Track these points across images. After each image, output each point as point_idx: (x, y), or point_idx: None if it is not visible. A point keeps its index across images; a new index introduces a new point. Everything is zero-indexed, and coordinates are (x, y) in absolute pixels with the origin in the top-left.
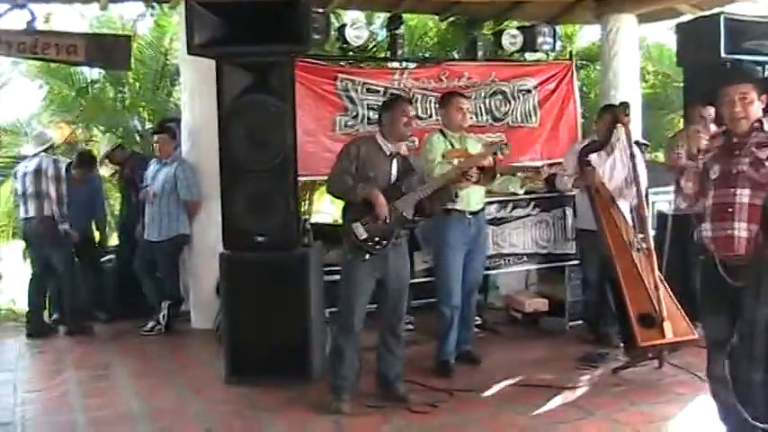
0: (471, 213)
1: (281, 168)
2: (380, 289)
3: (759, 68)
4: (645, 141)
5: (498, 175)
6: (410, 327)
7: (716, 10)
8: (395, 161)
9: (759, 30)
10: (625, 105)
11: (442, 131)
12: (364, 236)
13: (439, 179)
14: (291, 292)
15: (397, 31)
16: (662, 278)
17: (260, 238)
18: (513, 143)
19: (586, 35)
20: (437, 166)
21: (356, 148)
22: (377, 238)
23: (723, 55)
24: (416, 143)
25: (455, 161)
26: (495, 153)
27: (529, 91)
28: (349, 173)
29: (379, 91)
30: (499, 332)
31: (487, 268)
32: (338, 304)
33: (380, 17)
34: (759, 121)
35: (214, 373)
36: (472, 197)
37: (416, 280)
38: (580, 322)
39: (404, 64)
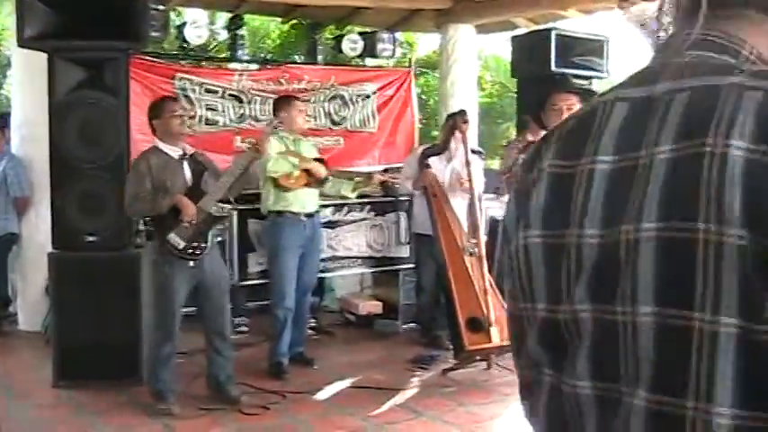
0: (306, 215)
1: (114, 167)
2: (200, 293)
3: (586, 82)
4: (480, 149)
5: (329, 179)
6: (244, 329)
7: (549, 25)
8: (185, 163)
9: (587, 45)
10: (463, 113)
11: (277, 133)
12: (182, 245)
13: (237, 165)
14: (122, 293)
15: (237, 32)
16: (492, 283)
17: (91, 238)
18: (351, 147)
19: (427, 43)
20: (270, 160)
21: (145, 162)
22: (195, 244)
23: (553, 68)
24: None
25: (291, 158)
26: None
27: (368, 96)
28: (144, 190)
29: (217, 92)
30: (333, 334)
31: (322, 271)
32: (153, 311)
33: (223, 17)
34: None
35: (42, 377)
36: (307, 199)
37: (251, 282)
38: (413, 325)
39: (244, 65)
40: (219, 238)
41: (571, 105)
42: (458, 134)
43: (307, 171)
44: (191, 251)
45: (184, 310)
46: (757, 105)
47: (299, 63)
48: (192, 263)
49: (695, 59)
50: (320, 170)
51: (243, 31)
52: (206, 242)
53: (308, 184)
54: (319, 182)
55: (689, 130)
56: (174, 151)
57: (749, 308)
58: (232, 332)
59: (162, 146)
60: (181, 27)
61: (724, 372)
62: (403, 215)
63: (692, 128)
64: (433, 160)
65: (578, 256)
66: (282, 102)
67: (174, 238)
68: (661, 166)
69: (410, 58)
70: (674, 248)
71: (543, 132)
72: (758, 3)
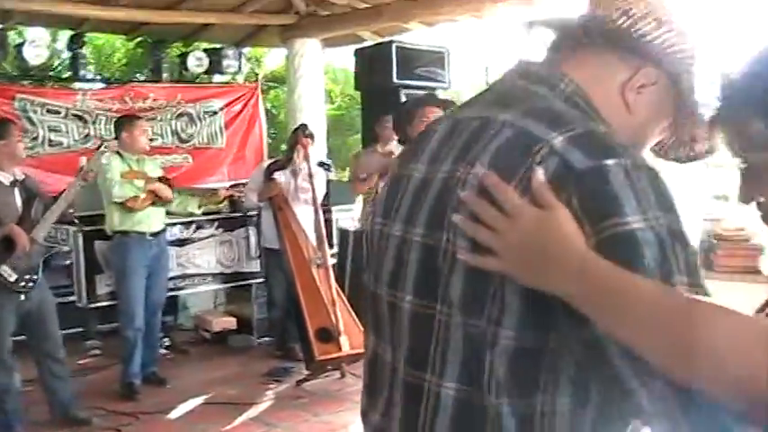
0: (152, 235)
1: None
2: (29, 319)
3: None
4: (328, 161)
5: (176, 197)
6: (97, 351)
7: (393, 37)
8: (17, 190)
9: (428, 57)
10: (304, 127)
11: (119, 153)
12: (14, 276)
13: (67, 196)
14: None
15: (79, 51)
16: (339, 292)
17: None
18: (200, 164)
19: (277, 58)
20: (115, 185)
21: None
22: (27, 276)
23: (395, 80)
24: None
25: (136, 182)
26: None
27: (215, 113)
28: None
29: (60, 112)
30: (188, 352)
31: (174, 289)
32: None
33: (66, 35)
34: None
35: None
36: (152, 218)
37: (100, 304)
38: (268, 338)
39: (88, 84)
40: (67, 261)
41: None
42: (300, 148)
43: (152, 191)
44: (23, 284)
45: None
46: (504, 141)
47: (143, 81)
48: (23, 296)
49: (513, 89)
50: (165, 191)
51: (86, 50)
52: (38, 274)
53: (153, 204)
54: (165, 201)
55: (458, 156)
56: (5, 177)
57: (466, 304)
58: (84, 356)
59: None
60: (19, 47)
61: (453, 355)
62: (252, 230)
63: (461, 154)
64: (278, 174)
65: (386, 246)
66: (123, 122)
67: (5, 270)
68: (437, 183)
69: (257, 74)
70: (429, 253)
71: (393, 144)
72: (593, 38)
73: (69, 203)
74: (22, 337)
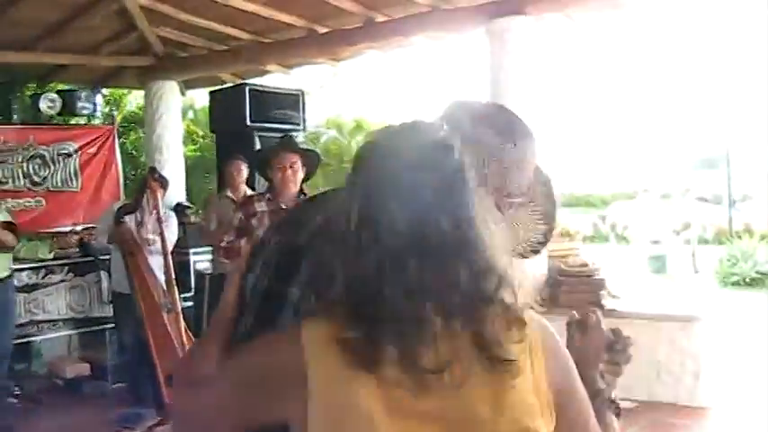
0: None
1: None
2: None
3: (282, 135)
4: (188, 203)
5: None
6: None
7: (250, 80)
8: None
9: (283, 100)
10: (153, 170)
11: None
12: None
13: None
14: None
15: None
16: (191, 337)
17: None
18: (54, 207)
19: (138, 98)
20: None
21: None
22: None
23: (248, 123)
24: None
25: None
26: None
27: (70, 155)
28: None
29: None
30: (40, 401)
31: (24, 336)
32: None
33: None
34: (302, 189)
35: None
36: None
37: None
38: (121, 384)
39: None
40: None
41: (294, 164)
42: (149, 191)
43: None
44: None
45: None
46: None
47: None
48: None
49: None
50: (7, 238)
51: None
52: None
53: None
54: (9, 248)
55: None
56: None
57: None
58: None
59: None
60: None
61: None
62: (104, 274)
63: None
64: (128, 218)
65: None
66: None
67: None
68: None
69: (113, 115)
70: None
71: (244, 188)
72: None
73: None
74: None
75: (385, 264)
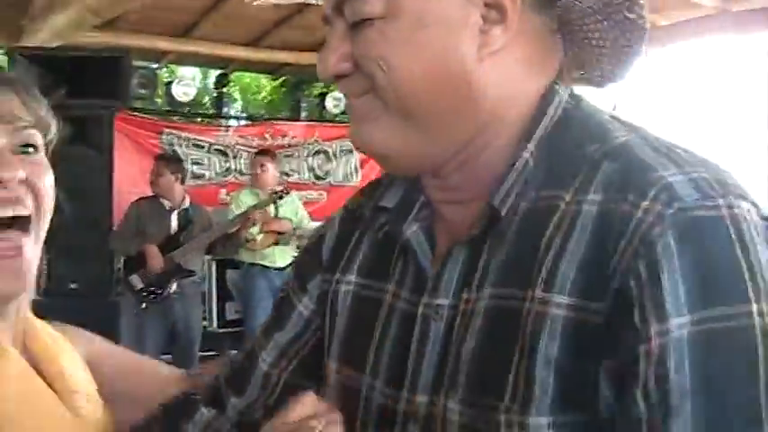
0: (276, 269)
1: (97, 221)
2: (171, 338)
3: None
4: None
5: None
6: None
7: None
8: (174, 215)
9: None
10: None
11: (252, 188)
12: (140, 286)
13: (223, 226)
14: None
15: (224, 89)
16: None
17: (72, 285)
18: (335, 201)
19: None
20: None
21: (135, 208)
22: (152, 288)
23: None
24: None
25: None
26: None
27: (351, 151)
28: (128, 231)
29: (204, 147)
30: None
31: None
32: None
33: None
34: None
35: None
36: (278, 255)
37: (230, 329)
38: None
39: (231, 121)
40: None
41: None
42: None
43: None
44: (145, 294)
45: None
46: None
47: (283, 119)
48: (143, 304)
49: None
50: (287, 226)
51: (231, 89)
52: (163, 289)
53: (276, 243)
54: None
55: None
56: (167, 203)
57: None
58: None
59: (160, 197)
60: (169, 84)
61: None
62: None
63: None
64: None
65: None
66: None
67: (133, 278)
68: None
69: None
70: None
71: None
72: None
73: (216, 238)
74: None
75: None
